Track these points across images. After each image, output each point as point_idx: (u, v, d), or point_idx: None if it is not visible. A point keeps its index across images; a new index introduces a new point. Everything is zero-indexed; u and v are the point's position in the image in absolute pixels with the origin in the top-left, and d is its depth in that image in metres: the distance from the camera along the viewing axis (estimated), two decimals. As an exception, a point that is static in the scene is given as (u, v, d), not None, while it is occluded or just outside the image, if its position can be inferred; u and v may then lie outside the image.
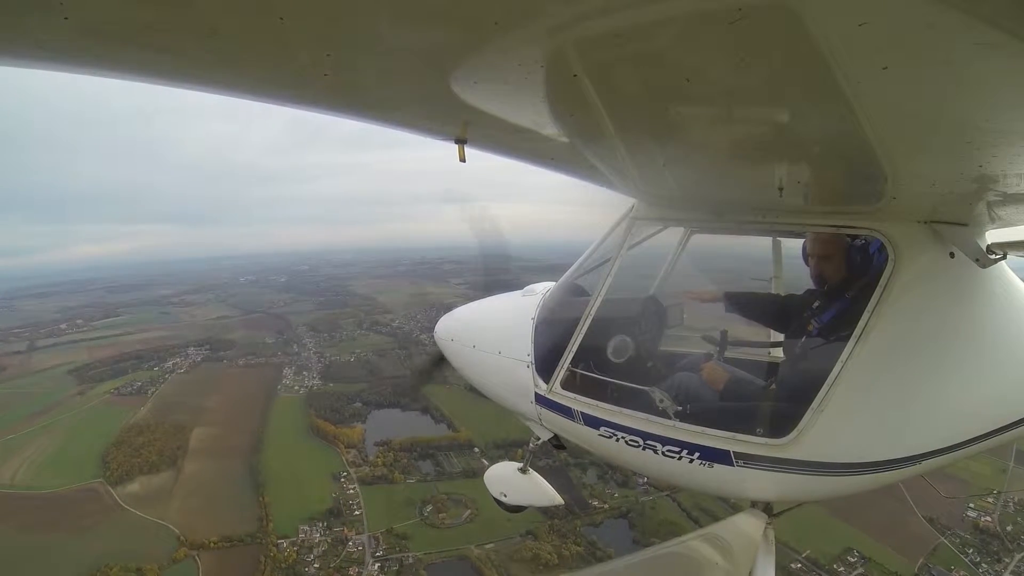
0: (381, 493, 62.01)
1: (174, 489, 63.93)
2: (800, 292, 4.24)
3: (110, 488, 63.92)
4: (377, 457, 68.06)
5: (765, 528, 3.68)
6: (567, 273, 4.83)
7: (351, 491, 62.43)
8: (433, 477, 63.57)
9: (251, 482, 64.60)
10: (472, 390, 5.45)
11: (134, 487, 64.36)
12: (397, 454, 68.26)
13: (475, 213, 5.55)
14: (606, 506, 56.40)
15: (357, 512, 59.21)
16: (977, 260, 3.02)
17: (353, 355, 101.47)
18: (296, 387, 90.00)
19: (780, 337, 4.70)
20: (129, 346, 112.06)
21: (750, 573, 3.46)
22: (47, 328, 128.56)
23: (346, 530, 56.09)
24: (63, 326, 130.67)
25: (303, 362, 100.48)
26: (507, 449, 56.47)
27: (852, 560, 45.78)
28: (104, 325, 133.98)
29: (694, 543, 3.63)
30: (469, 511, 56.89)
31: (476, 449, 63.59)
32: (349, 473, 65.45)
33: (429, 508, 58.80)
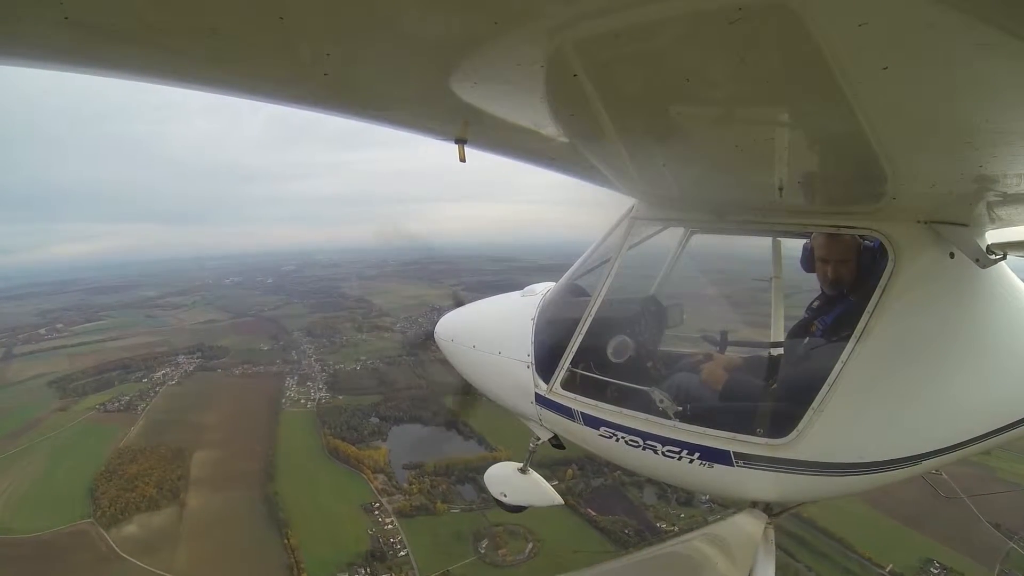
0: (424, 527, 54.75)
1: (180, 531, 54.42)
2: (800, 292, 4.24)
3: (102, 530, 54.36)
4: (411, 484, 61.20)
5: (765, 528, 3.68)
6: (567, 273, 4.83)
7: (389, 526, 55.21)
8: (479, 505, 54.80)
9: (270, 519, 56.32)
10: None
11: (131, 529, 54.99)
12: (433, 479, 61.38)
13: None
14: (676, 528, 50.32)
15: (402, 552, 51.46)
16: (977, 260, 3.03)
17: (358, 363, 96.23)
18: (302, 400, 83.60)
19: (780, 337, 4.70)
20: (114, 354, 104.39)
21: (750, 573, 3.46)
22: (25, 333, 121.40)
23: (394, 576, 47.69)
24: (42, 331, 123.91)
25: (305, 371, 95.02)
26: (553, 468, 50.63)
27: (935, 572, 45.05)
28: (86, 330, 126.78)
29: (694, 543, 3.64)
30: (531, 544, 50.42)
31: (520, 470, 57.51)
32: (382, 504, 58.52)
33: (485, 543, 51.52)
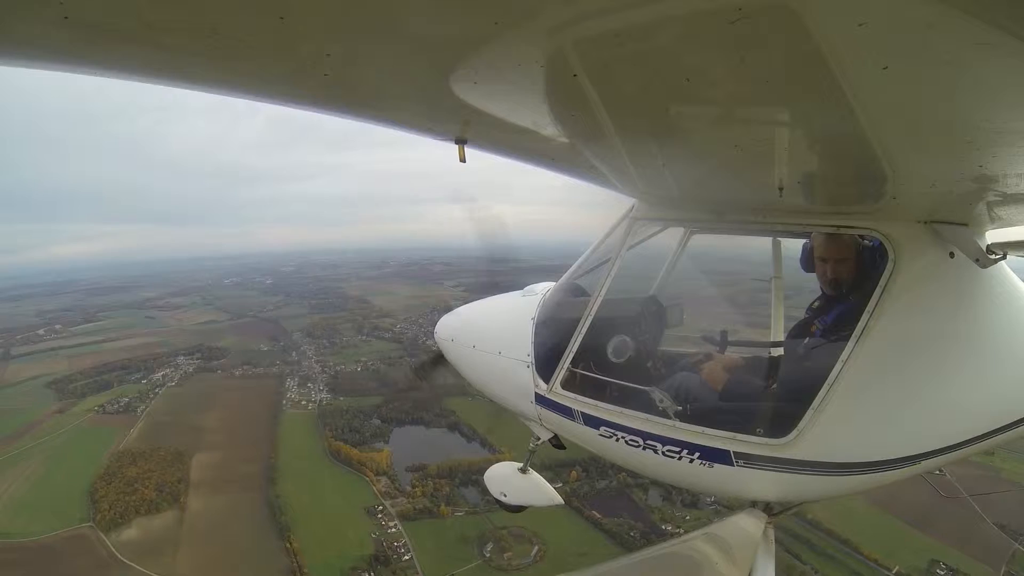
0: (428, 530, 54.32)
1: (180, 534, 54.20)
2: (800, 292, 4.25)
3: (102, 534, 53.72)
4: (414, 486, 60.75)
5: (765, 528, 3.68)
6: (567, 273, 4.83)
7: (392, 529, 54.72)
8: (483, 508, 54.29)
9: (272, 522, 55.66)
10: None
11: (131, 533, 54.36)
12: (436, 482, 60.90)
13: (481, 213, 5.52)
14: (681, 531, 47.11)
15: (407, 556, 51.09)
16: (977, 260, 3.02)
17: (359, 364, 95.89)
18: (303, 402, 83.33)
19: (780, 337, 4.70)
20: (113, 355, 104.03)
21: (750, 573, 3.46)
22: (23, 334, 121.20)
23: (398, 580, 46.76)
24: (41, 332, 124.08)
25: (306, 372, 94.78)
26: (556, 471, 51.31)
27: (941, 573, 45.38)
28: (85, 331, 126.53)
29: (694, 543, 3.63)
30: (536, 547, 50.00)
31: (522, 472, 56.21)
32: (385, 507, 57.99)
33: (490, 546, 51.31)
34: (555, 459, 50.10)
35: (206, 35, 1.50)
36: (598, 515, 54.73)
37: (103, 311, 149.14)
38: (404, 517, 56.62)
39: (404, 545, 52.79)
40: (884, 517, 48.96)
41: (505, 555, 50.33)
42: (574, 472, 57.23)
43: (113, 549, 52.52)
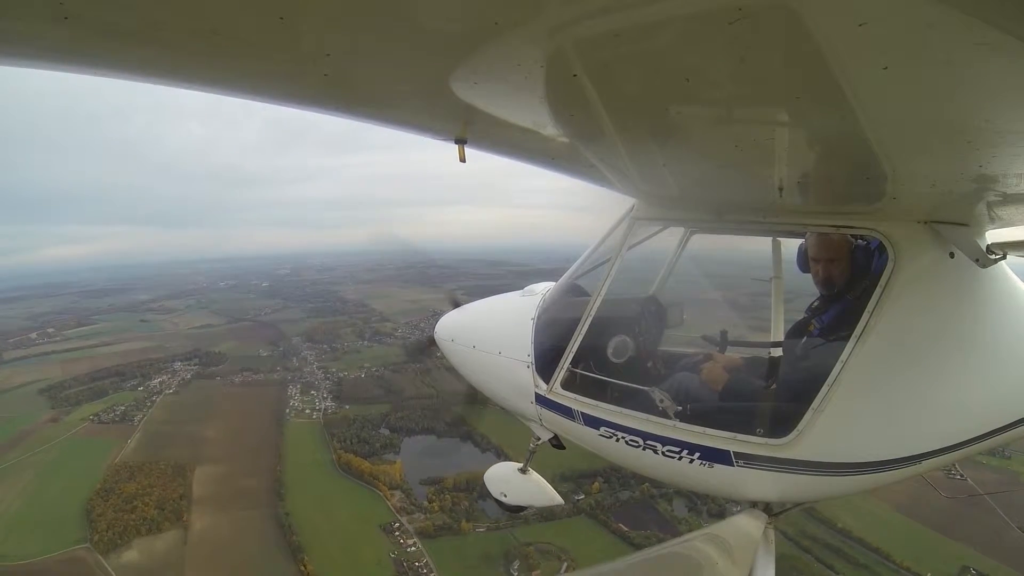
0: (450, 548, 51.36)
1: (185, 556, 50.38)
2: (800, 293, 4.25)
3: (100, 557, 49.89)
4: (431, 501, 57.70)
5: (765, 528, 3.68)
6: (567, 273, 4.83)
7: (412, 548, 51.69)
8: (506, 523, 51.82)
9: (283, 542, 52.36)
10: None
11: (132, 555, 50.51)
12: (454, 496, 57.82)
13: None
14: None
15: None
16: (977, 260, 3.03)
17: (363, 370, 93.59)
18: (307, 410, 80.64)
19: (780, 337, 4.70)
20: (108, 360, 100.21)
21: (750, 573, 3.46)
22: (16, 338, 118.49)
23: (423, 605, 44.61)
24: (33, 335, 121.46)
25: (308, 379, 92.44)
26: (578, 482, 50.39)
27: None
28: (78, 334, 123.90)
29: (694, 543, 3.63)
30: (565, 563, 47.34)
31: (544, 484, 54.01)
32: (402, 524, 55.01)
33: (516, 565, 48.65)
34: (576, 470, 49.32)
35: (206, 34, 1.50)
36: (625, 528, 53.36)
37: (97, 314, 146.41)
38: (423, 534, 53.97)
39: (426, 565, 50.13)
40: (913, 524, 48.60)
41: (533, 573, 48.37)
42: (596, 484, 55.78)
43: (113, 573, 49.30)
